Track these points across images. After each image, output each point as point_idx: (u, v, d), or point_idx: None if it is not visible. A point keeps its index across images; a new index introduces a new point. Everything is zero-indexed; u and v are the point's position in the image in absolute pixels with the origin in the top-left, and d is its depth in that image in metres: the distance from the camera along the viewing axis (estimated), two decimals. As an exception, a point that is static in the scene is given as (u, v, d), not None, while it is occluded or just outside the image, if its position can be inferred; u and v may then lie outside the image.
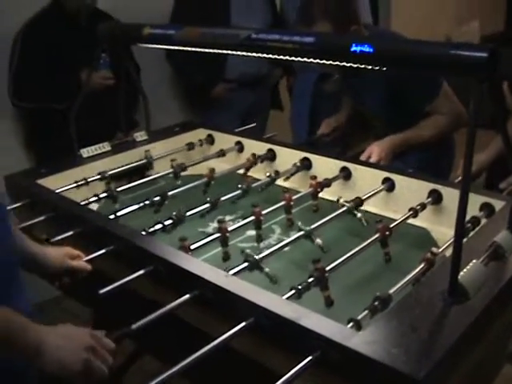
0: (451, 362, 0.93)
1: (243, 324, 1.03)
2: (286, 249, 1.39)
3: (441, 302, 1.02)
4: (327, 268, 1.21)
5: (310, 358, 0.94)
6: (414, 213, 1.52)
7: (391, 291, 1.12)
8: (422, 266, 1.24)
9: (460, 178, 1.69)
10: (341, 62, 1.21)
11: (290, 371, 0.92)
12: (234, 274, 1.21)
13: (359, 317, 1.04)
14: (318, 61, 1.26)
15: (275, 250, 1.34)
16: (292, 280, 1.20)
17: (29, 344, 0.95)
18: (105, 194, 1.71)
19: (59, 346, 0.96)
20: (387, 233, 1.38)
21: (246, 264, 1.26)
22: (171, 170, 1.90)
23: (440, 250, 1.30)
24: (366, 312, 1.06)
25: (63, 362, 0.95)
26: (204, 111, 3.06)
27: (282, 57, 1.31)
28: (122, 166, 1.92)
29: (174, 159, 1.93)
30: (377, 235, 1.38)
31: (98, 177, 1.81)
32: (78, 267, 1.30)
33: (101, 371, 0.98)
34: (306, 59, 1.27)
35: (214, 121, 2.76)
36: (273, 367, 1.02)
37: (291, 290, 1.13)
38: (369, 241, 1.35)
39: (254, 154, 1.94)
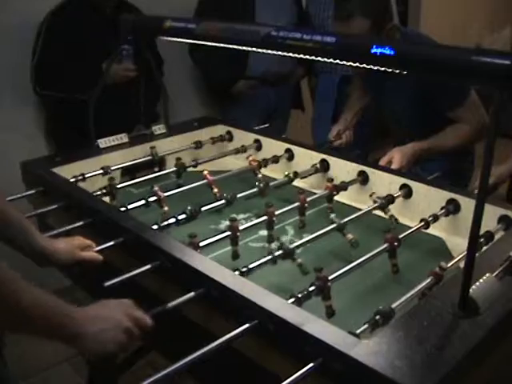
0: (457, 378, 0.90)
1: (247, 326, 1.01)
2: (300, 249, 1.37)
3: (450, 315, 0.99)
4: (330, 277, 1.17)
5: (311, 364, 0.91)
6: (426, 224, 1.48)
7: (394, 305, 1.08)
8: (428, 280, 1.20)
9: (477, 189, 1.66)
10: (360, 63, 1.19)
11: (290, 377, 0.90)
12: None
13: (358, 331, 1.00)
14: (337, 61, 1.24)
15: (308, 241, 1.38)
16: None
17: (64, 333, 0.96)
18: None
19: (95, 331, 0.97)
20: (396, 243, 1.34)
21: (280, 252, 1.28)
22: (174, 169, 1.87)
23: (449, 264, 1.25)
24: (366, 326, 1.03)
25: (100, 345, 0.98)
26: (225, 107, 3.05)
27: (301, 55, 1.29)
28: (137, 159, 1.91)
29: (179, 158, 1.91)
30: (385, 245, 1.34)
31: (114, 167, 1.81)
32: (89, 259, 1.29)
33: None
34: (325, 59, 1.25)
35: (235, 117, 2.74)
36: (274, 371, 1.00)
37: (291, 297, 1.10)
38: (376, 251, 1.31)
39: (258, 161, 1.90)
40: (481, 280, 1.04)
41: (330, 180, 1.67)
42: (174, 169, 1.87)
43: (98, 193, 1.65)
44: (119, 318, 1.01)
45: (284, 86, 3.06)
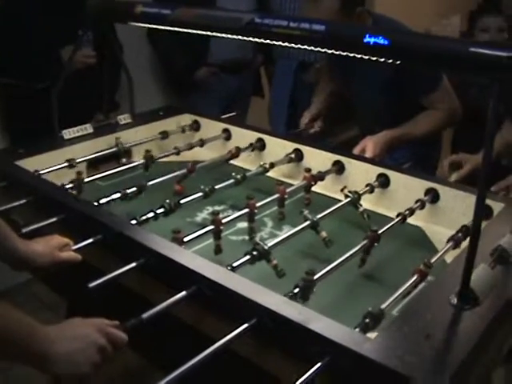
0: (466, 370, 0.90)
1: (245, 326, 0.98)
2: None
3: (451, 307, 0.99)
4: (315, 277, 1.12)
5: (319, 364, 0.89)
6: (403, 218, 1.44)
7: (383, 306, 1.04)
8: (414, 278, 1.15)
9: (453, 177, 1.67)
10: (351, 52, 1.16)
11: (298, 380, 0.87)
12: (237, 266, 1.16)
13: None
14: (325, 50, 1.21)
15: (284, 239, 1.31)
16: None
17: (33, 354, 0.88)
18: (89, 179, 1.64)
19: (68, 352, 0.90)
20: (376, 243, 1.30)
21: (255, 252, 1.20)
22: (142, 161, 1.79)
23: (434, 259, 1.22)
24: (357, 330, 0.98)
25: (73, 367, 0.91)
26: (186, 95, 2.98)
27: (287, 44, 1.26)
28: (103, 151, 1.84)
29: (148, 150, 1.83)
30: (364, 242, 1.29)
31: (80, 160, 1.73)
32: (69, 260, 1.22)
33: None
34: (313, 48, 1.22)
35: (196, 105, 2.69)
36: (277, 373, 0.97)
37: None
38: (356, 248, 1.26)
39: (237, 148, 1.86)
40: (477, 270, 1.04)
41: (308, 170, 1.64)
42: (143, 161, 1.79)
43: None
44: (92, 336, 0.94)
45: (244, 73, 3.02)
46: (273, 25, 1.25)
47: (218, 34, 1.38)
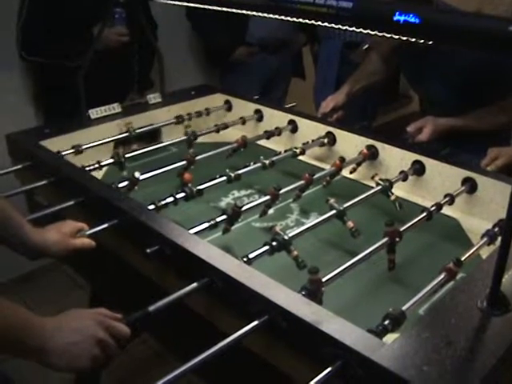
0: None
1: (256, 322, 0.92)
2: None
3: (479, 312, 0.91)
4: (324, 279, 1.04)
5: (329, 369, 0.83)
6: (428, 215, 1.32)
7: (405, 307, 0.97)
8: (441, 277, 1.07)
9: (490, 167, 1.56)
10: (381, 31, 1.07)
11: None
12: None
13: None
14: (353, 29, 1.13)
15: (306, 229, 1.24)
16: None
17: (30, 348, 0.85)
18: (111, 161, 1.60)
19: (66, 345, 0.87)
20: (397, 239, 1.20)
21: (274, 243, 1.14)
22: (184, 138, 1.77)
23: (465, 257, 1.12)
24: (373, 333, 0.90)
25: (71, 361, 0.87)
26: (223, 74, 2.92)
27: (313, 22, 1.18)
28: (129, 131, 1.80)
29: (188, 125, 1.79)
30: (385, 239, 1.19)
31: (105, 140, 1.70)
32: (83, 247, 1.19)
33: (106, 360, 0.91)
34: (340, 26, 1.13)
35: (233, 85, 2.64)
36: (288, 372, 0.92)
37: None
38: (375, 246, 1.17)
39: (244, 136, 1.76)
40: (510, 273, 0.96)
41: (341, 158, 1.56)
42: (172, 141, 1.76)
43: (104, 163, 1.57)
44: (92, 329, 0.90)
45: (285, 52, 2.93)
46: (297, 1, 1.17)
47: (241, 11, 1.30)
